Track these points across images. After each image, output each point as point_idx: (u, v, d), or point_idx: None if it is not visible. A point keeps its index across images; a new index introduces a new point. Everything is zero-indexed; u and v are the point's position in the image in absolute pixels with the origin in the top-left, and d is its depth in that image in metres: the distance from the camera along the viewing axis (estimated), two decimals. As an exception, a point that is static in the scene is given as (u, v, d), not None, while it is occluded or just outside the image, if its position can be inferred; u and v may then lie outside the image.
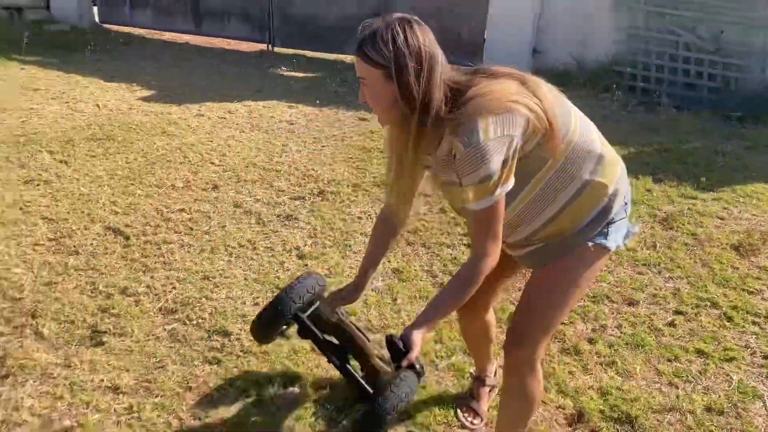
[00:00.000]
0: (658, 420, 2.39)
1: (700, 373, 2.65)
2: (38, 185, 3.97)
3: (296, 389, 2.42)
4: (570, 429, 2.35)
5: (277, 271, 3.16)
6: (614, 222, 1.84)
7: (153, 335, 2.70)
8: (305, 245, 3.43)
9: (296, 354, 2.58)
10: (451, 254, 3.42)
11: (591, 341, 2.81)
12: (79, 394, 2.38)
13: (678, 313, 3.03)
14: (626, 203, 1.89)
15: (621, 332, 2.88)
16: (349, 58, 7.29)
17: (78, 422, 2.26)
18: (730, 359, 2.73)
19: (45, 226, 3.51)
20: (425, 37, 1.62)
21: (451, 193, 1.77)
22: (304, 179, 4.14)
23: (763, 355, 2.75)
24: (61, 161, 4.33)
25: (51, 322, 2.76)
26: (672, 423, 2.38)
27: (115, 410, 2.32)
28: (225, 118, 5.35)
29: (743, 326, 2.93)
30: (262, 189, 4.02)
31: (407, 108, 1.62)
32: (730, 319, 2.99)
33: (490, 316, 2.32)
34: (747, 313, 3.02)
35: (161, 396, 2.38)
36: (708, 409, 2.46)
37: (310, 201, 3.88)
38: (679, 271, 3.36)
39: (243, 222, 3.62)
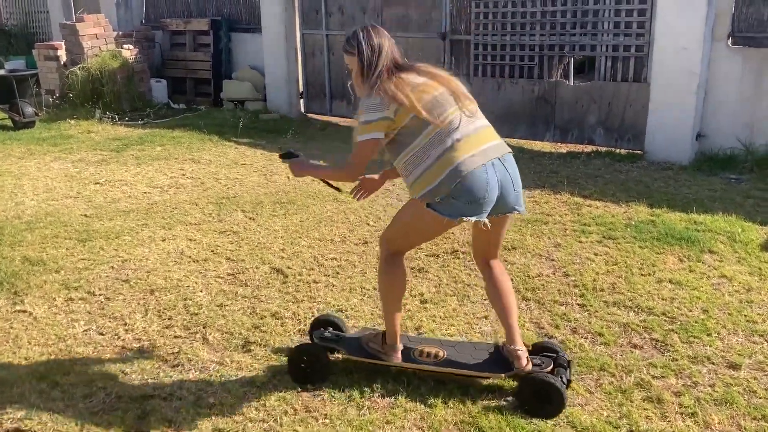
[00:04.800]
0: (723, 466, 2.48)
1: (786, 433, 2.66)
2: (229, 235, 4.90)
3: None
4: (630, 461, 2.52)
5: (399, 310, 3.66)
6: (447, 198, 2.63)
7: (288, 349, 3.31)
8: (429, 292, 3.91)
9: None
10: (562, 311, 3.69)
11: (677, 394, 2.93)
12: (225, 384, 3.04)
13: (783, 380, 3.02)
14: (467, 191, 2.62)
15: (713, 390, 2.95)
16: (514, 141, 7.77)
17: (219, 401, 2.90)
18: (824, 425, 2.70)
19: (227, 264, 4.37)
20: (378, 36, 2.71)
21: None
22: (443, 240, 4.63)
23: None
24: (250, 218, 5.27)
25: (216, 332, 3.51)
26: (738, 471, 2.46)
27: (248, 397, 2.93)
28: (389, 189, 6.07)
29: None
30: (405, 246, 4.59)
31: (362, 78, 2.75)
32: (839, 390, 2.93)
33: (499, 279, 2.96)
34: None
35: (285, 391, 2.96)
36: (782, 464, 2.49)
37: (443, 258, 4.37)
38: (798, 345, 3.32)
39: (381, 271, 4.19)
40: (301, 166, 2.99)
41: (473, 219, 2.66)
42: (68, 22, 10.23)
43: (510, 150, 2.80)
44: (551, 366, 2.85)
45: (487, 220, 2.70)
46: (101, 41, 10.10)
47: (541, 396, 2.74)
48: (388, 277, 2.95)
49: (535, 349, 3.00)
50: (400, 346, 3.01)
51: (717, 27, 6.41)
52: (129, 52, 10.14)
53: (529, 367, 2.87)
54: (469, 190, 2.62)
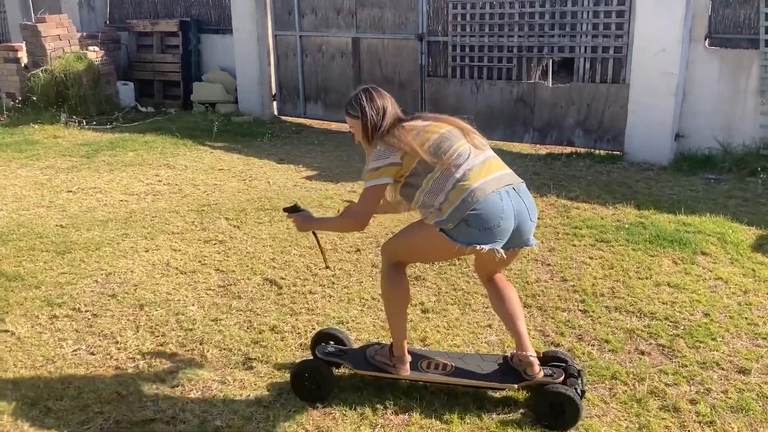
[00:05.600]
0: (749, 476, 2.46)
1: (805, 439, 2.66)
2: (215, 244, 4.75)
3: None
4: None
5: (401, 321, 3.57)
6: (462, 224, 2.56)
7: (292, 364, 3.19)
8: (429, 301, 3.83)
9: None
10: (565, 317, 3.65)
11: (692, 402, 2.91)
12: (229, 404, 2.91)
13: (793, 384, 3.02)
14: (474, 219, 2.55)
15: (726, 396, 2.94)
16: (492, 143, 7.75)
17: (226, 424, 2.77)
18: (841, 430, 2.70)
19: (216, 276, 4.22)
20: (380, 97, 2.72)
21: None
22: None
23: None
24: (234, 226, 5.12)
25: (214, 348, 3.37)
26: (764, 480, 2.44)
27: (255, 417, 2.81)
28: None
29: None
30: (398, 253, 4.50)
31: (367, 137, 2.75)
32: None
33: (503, 289, 2.95)
34: None
35: (293, 410, 2.85)
36: (806, 472, 2.48)
37: (439, 265, 4.29)
38: (801, 347, 3.33)
39: (377, 279, 4.09)
40: (305, 220, 2.92)
41: (486, 248, 2.58)
42: (29, 23, 9.86)
43: (522, 180, 2.76)
44: (563, 376, 2.80)
45: (502, 251, 2.62)
46: (64, 42, 9.78)
47: (556, 408, 2.68)
48: (392, 286, 2.86)
49: (544, 359, 2.94)
50: (409, 358, 2.93)
51: (694, 28, 6.48)
52: (94, 53, 9.83)
53: (541, 374, 2.82)
54: (483, 216, 2.56)
